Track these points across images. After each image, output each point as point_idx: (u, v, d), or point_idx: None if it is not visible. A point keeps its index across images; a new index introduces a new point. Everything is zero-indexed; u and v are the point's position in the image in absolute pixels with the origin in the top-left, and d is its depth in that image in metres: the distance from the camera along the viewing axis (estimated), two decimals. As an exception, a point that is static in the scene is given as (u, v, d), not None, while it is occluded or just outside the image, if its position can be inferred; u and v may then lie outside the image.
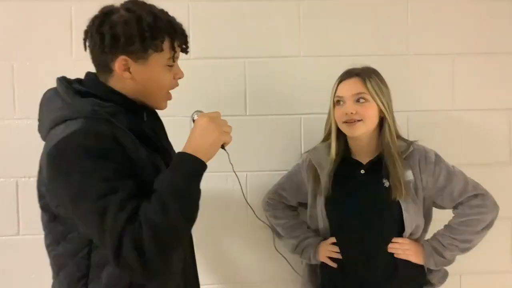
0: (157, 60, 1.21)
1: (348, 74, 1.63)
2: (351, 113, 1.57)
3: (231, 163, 1.38)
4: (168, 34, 1.21)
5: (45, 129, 1.18)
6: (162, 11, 1.23)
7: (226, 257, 1.97)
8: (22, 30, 1.86)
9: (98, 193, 1.05)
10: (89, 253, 1.15)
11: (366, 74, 1.61)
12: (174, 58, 1.25)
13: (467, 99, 1.98)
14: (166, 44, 1.21)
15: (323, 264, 1.71)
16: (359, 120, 1.57)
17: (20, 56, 1.86)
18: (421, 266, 1.66)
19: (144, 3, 1.22)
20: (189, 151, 1.17)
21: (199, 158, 1.16)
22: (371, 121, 1.59)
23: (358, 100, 1.58)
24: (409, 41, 1.97)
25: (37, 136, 1.23)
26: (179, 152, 1.19)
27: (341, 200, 1.63)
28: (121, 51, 1.17)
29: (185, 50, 1.28)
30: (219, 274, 1.97)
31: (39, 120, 1.26)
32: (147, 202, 1.08)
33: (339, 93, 1.62)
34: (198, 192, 1.15)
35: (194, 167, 1.16)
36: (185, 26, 1.83)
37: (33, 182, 1.29)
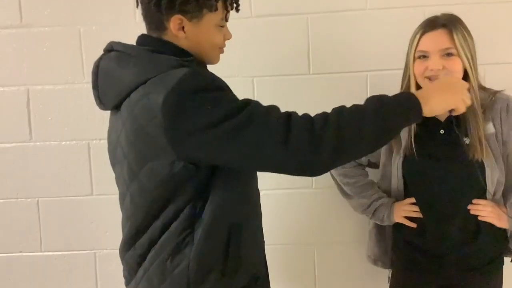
0: (211, 19, 1.20)
1: (433, 25, 1.49)
2: (438, 69, 1.45)
3: None
4: None
5: (121, 93, 1.17)
6: None
7: (290, 218, 1.97)
8: (87, -5, 1.90)
9: (237, 108, 1.07)
10: (196, 199, 1.17)
11: (452, 25, 1.46)
12: (226, 18, 1.25)
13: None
14: (220, 3, 1.20)
15: (395, 226, 1.66)
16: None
17: (86, 20, 1.90)
18: (504, 232, 1.58)
19: None
20: (419, 96, 1.16)
21: (421, 109, 1.15)
22: (457, 76, 1.47)
23: (444, 55, 1.46)
24: (487, -12, 1.81)
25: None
26: (410, 92, 1.20)
27: (420, 160, 1.55)
28: (177, 11, 1.16)
29: (237, 9, 1.27)
30: (283, 235, 1.97)
31: (95, 88, 1.26)
32: (343, 108, 1.13)
33: (422, 47, 1.48)
34: (396, 132, 1.17)
35: (412, 112, 1.15)
36: (245, -18, 1.82)
37: (103, 144, 1.33)
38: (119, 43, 1.23)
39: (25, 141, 1.96)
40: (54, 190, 1.97)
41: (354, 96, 1.84)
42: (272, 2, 1.87)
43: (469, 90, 1.29)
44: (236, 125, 1.06)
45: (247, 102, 1.10)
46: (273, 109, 1.12)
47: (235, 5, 1.26)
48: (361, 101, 1.80)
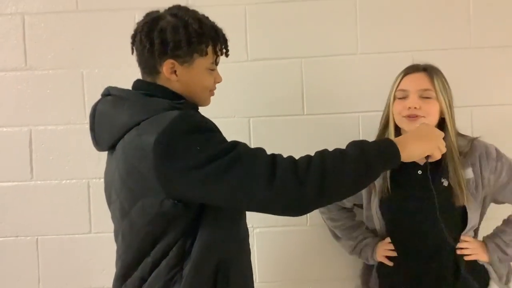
0: (201, 63, 1.27)
1: (415, 68, 1.58)
2: (415, 107, 1.51)
3: None
4: (212, 39, 1.26)
5: (115, 134, 1.23)
6: (205, 16, 1.28)
7: (281, 255, 1.98)
8: (90, 39, 1.97)
9: (224, 150, 1.11)
10: (185, 236, 1.19)
11: (433, 71, 1.56)
12: (216, 62, 1.31)
13: (536, 92, 1.89)
14: (210, 49, 1.27)
15: (380, 265, 1.68)
16: (421, 117, 1.51)
17: (89, 63, 1.97)
18: (485, 272, 1.60)
19: (188, 9, 1.27)
20: (398, 142, 1.21)
21: (399, 154, 1.19)
22: (433, 119, 1.53)
23: (422, 96, 1.53)
24: (471, 34, 1.90)
25: (106, 139, 1.28)
26: (389, 139, 1.24)
27: (397, 202, 1.59)
28: (169, 56, 1.23)
29: (226, 54, 1.33)
30: (279, 272, 1.98)
31: (92, 130, 1.32)
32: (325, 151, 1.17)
33: (403, 86, 1.56)
34: (375, 175, 1.20)
35: (391, 156, 1.20)
36: (242, 28, 1.92)
37: (103, 182, 1.37)
38: (115, 88, 1.30)
39: (26, 180, 1.99)
40: (53, 228, 1.99)
41: (347, 136, 1.88)
42: (268, 46, 1.95)
43: (444, 138, 1.35)
44: (224, 166, 1.10)
45: (235, 144, 1.15)
46: (259, 151, 1.16)
47: (224, 50, 1.31)
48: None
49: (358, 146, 1.19)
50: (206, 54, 1.26)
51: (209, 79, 1.31)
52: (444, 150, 1.31)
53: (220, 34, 1.29)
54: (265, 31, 1.95)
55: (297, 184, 1.09)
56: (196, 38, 1.22)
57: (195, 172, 1.10)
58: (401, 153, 1.20)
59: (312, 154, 1.17)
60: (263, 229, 1.93)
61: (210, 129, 1.17)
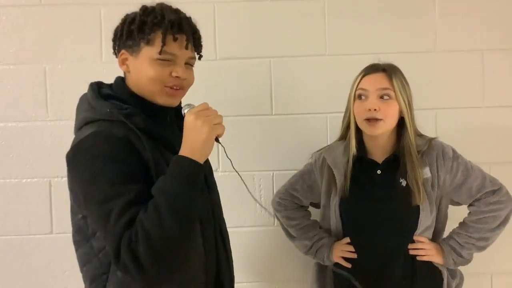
0: (147, 53, 1.20)
1: (374, 69, 1.59)
2: (374, 109, 1.51)
3: (229, 158, 1.30)
4: (163, 27, 1.19)
5: (75, 131, 1.24)
6: (171, 9, 1.25)
7: (248, 255, 1.99)
8: (53, 34, 1.92)
9: (103, 196, 1.08)
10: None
11: (392, 71, 1.56)
12: (164, 52, 1.20)
13: (498, 95, 1.94)
14: (156, 37, 1.19)
15: (336, 265, 1.67)
16: (380, 120, 1.52)
17: (52, 59, 1.91)
18: (440, 275, 1.61)
19: (162, 4, 1.25)
20: (185, 153, 1.13)
21: (194, 160, 1.12)
22: (392, 121, 1.55)
23: (382, 97, 1.53)
24: (436, 38, 1.94)
25: (69, 137, 1.25)
26: (175, 156, 1.14)
27: (357, 201, 1.59)
28: (122, 46, 1.24)
29: (186, 46, 1.22)
30: (241, 272, 1.96)
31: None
32: (144, 209, 1.07)
33: (363, 85, 1.57)
34: (195, 196, 1.11)
35: (191, 170, 1.12)
36: (211, 26, 1.90)
37: (65, 182, 1.33)
38: (91, 84, 1.28)
39: (-15, 178, 1.92)
40: (13, 228, 1.93)
41: (315, 136, 1.93)
42: (237, 45, 1.94)
43: (403, 138, 1.44)
44: (95, 211, 1.10)
45: (115, 196, 1.08)
46: (120, 223, 1.06)
47: (172, 37, 1.19)
48: (322, 141, 1.87)
49: (163, 190, 1.09)
50: (152, 42, 1.19)
51: (156, 71, 1.20)
52: (220, 120, 1.18)
53: (178, 24, 1.20)
54: (234, 30, 1.94)
55: (139, 270, 1.05)
56: (141, 25, 1.20)
57: (82, 199, 1.14)
58: (195, 158, 1.12)
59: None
60: (229, 229, 1.91)
61: (111, 158, 1.11)
